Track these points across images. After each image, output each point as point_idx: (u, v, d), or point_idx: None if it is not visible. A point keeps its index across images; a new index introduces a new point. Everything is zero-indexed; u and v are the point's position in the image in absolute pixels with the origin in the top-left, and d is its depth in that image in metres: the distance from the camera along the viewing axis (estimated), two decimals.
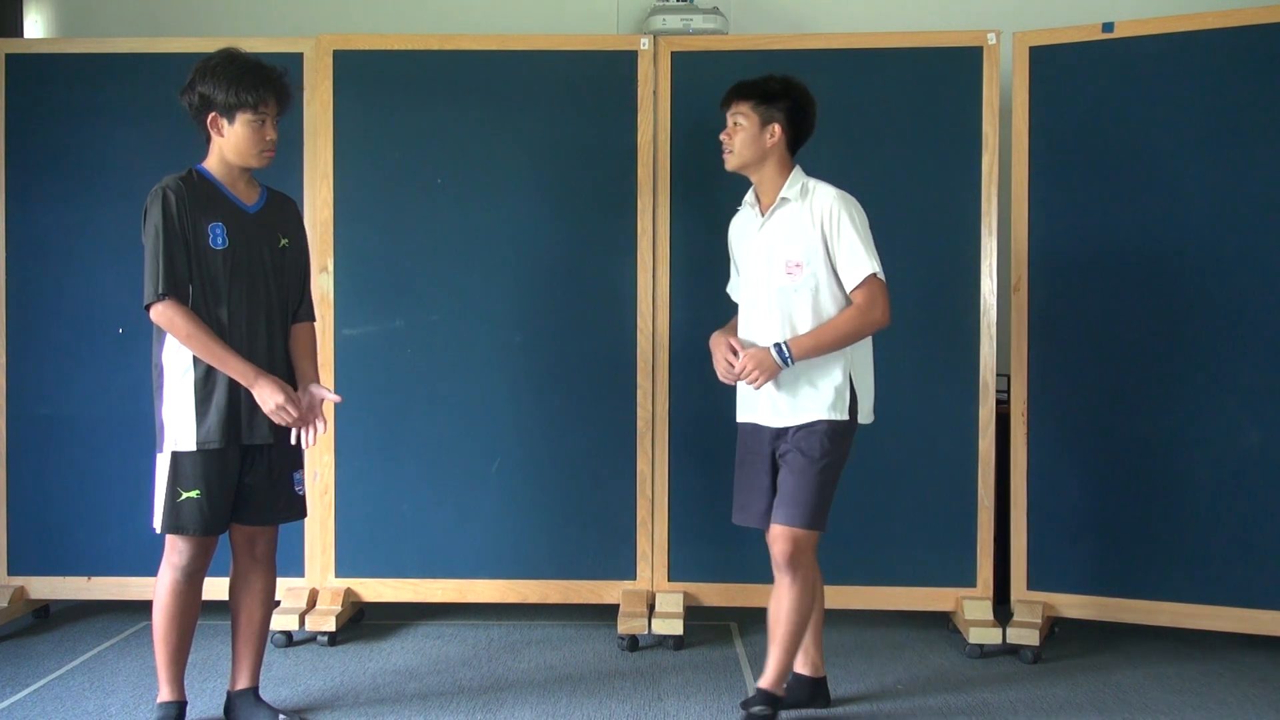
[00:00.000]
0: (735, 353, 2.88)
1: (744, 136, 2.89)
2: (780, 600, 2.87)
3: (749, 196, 3.01)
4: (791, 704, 3.01)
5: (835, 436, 2.85)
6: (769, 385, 2.86)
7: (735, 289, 3.11)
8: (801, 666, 3.05)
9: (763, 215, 2.94)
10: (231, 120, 2.69)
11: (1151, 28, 3.51)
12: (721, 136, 2.93)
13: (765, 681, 2.89)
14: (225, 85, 2.65)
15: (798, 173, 2.94)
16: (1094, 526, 3.56)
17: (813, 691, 3.07)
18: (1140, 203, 3.52)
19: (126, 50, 3.76)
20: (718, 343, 2.96)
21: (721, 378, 2.92)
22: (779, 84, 2.92)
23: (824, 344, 2.82)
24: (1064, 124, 3.58)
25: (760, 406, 2.92)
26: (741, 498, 3.00)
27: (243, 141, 2.70)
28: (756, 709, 2.86)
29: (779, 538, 2.83)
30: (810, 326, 2.84)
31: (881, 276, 2.83)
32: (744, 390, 2.97)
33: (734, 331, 3.01)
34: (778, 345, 2.81)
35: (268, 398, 2.67)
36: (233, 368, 2.65)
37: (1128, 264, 3.54)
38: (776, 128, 2.89)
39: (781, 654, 2.88)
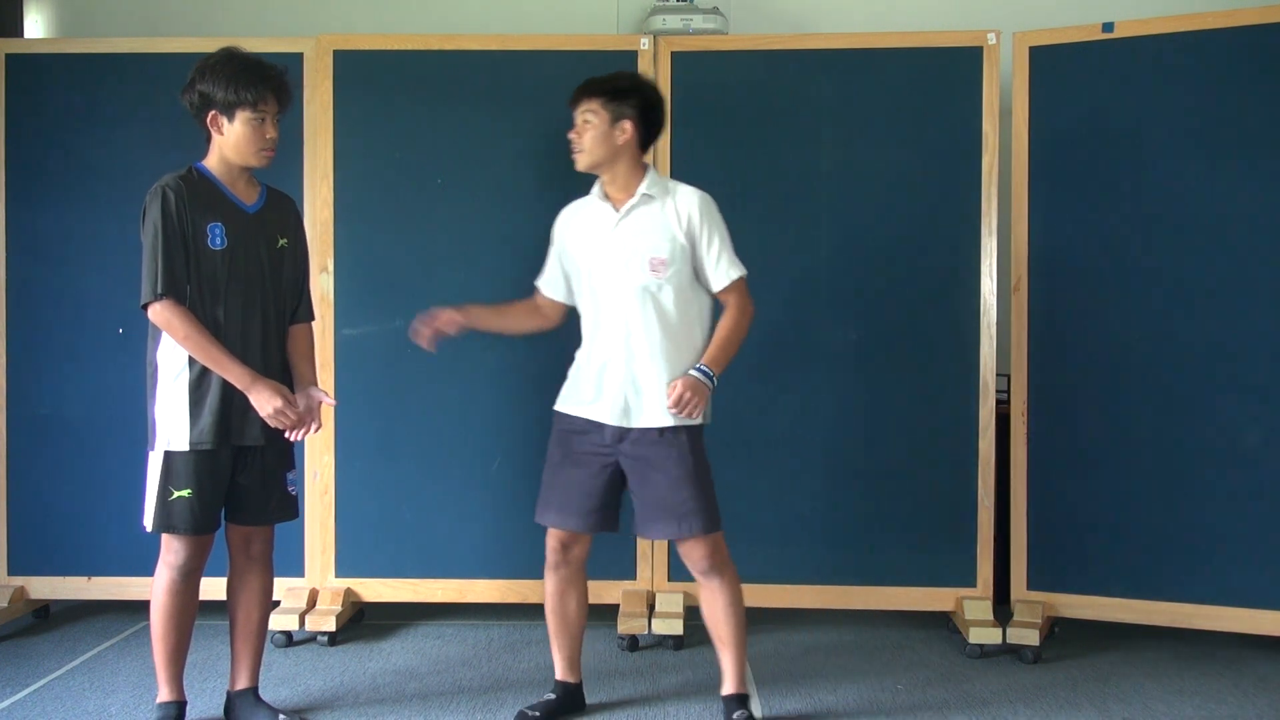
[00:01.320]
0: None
1: (594, 134, 2.84)
2: (715, 603, 2.91)
3: (596, 191, 2.95)
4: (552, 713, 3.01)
5: (695, 439, 2.85)
6: (618, 382, 2.83)
7: (552, 283, 3.05)
8: (566, 674, 3.05)
9: (617, 212, 2.88)
10: (231, 118, 2.68)
11: (1151, 28, 3.51)
12: (570, 135, 2.88)
13: (730, 687, 2.93)
14: (225, 83, 2.65)
15: (654, 171, 2.92)
16: (1094, 526, 3.56)
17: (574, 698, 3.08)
18: (1140, 202, 3.52)
19: (126, 50, 3.76)
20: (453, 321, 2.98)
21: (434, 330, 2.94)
22: (628, 80, 2.90)
23: (729, 353, 2.85)
24: (1064, 124, 3.58)
25: (601, 404, 2.86)
26: (561, 496, 2.90)
27: (242, 140, 2.69)
28: (738, 714, 2.88)
29: (696, 550, 2.85)
30: (675, 324, 2.82)
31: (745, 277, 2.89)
32: (580, 381, 2.91)
33: (495, 315, 3.10)
34: (702, 369, 2.79)
35: (265, 403, 2.66)
36: (229, 371, 2.65)
37: (1127, 264, 3.54)
38: (628, 124, 2.84)
39: (734, 654, 2.93)
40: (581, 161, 2.88)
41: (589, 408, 2.88)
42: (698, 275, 2.87)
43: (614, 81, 2.87)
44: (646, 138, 2.90)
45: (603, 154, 2.85)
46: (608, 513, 2.92)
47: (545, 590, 3.02)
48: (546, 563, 2.99)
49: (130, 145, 3.70)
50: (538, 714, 2.96)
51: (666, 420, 2.81)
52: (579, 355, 2.97)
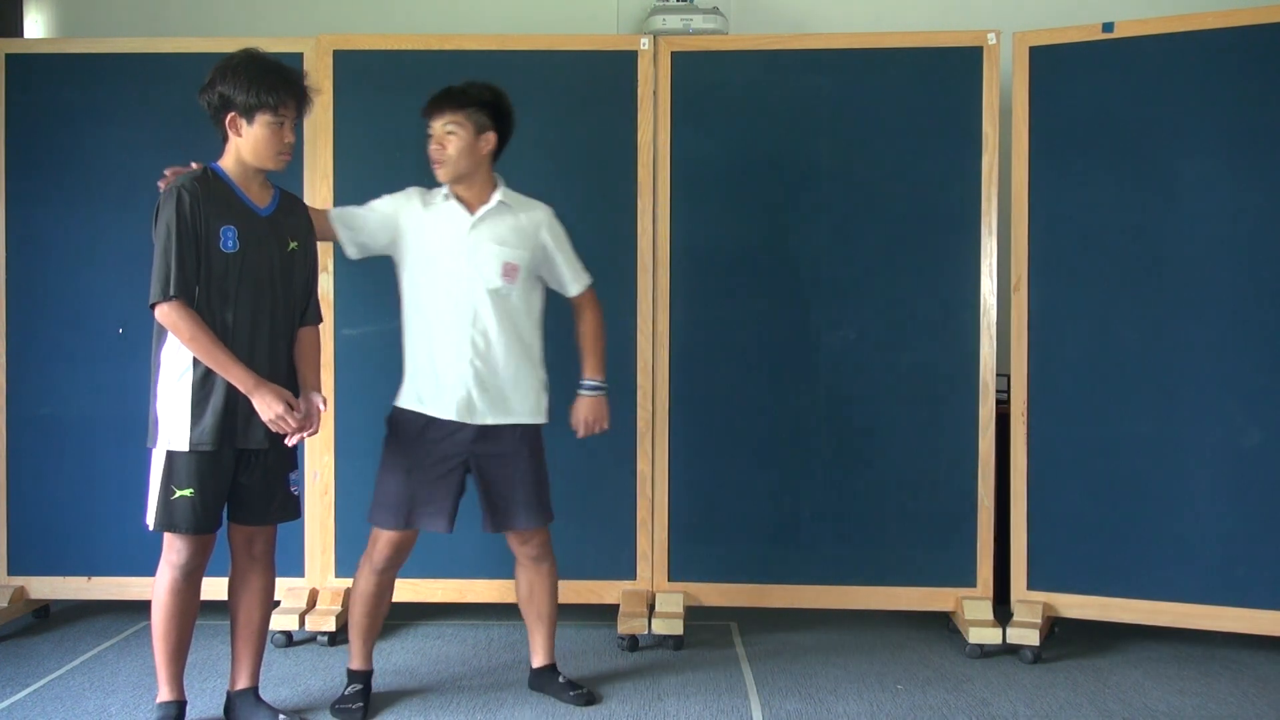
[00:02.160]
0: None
1: (460, 145, 2.87)
2: (545, 585, 3.09)
3: (445, 190, 2.96)
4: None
5: (540, 436, 3.03)
6: (472, 381, 2.88)
7: (351, 227, 2.97)
8: (367, 663, 3.09)
9: (471, 215, 2.92)
10: (251, 121, 2.68)
11: (1151, 28, 3.51)
12: (431, 149, 2.90)
13: (544, 660, 3.14)
14: (246, 86, 2.65)
15: (502, 181, 2.97)
16: (1094, 526, 3.56)
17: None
18: (1140, 202, 3.52)
19: (126, 50, 3.76)
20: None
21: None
22: (489, 92, 2.92)
23: (603, 354, 3.09)
24: (1064, 124, 3.58)
25: (454, 402, 2.89)
26: (425, 497, 2.91)
27: (261, 143, 2.69)
28: (574, 694, 3.07)
29: (537, 537, 3.03)
30: (519, 326, 2.94)
31: None
32: (424, 378, 2.92)
33: None
34: (592, 385, 3.05)
35: (267, 408, 2.65)
36: (233, 374, 2.64)
37: (1127, 264, 3.54)
38: (491, 135, 2.90)
39: (551, 628, 3.14)
40: (445, 173, 2.91)
41: (441, 407, 2.91)
42: (547, 283, 3.05)
43: (477, 92, 2.90)
44: (500, 148, 2.96)
45: (468, 165, 2.90)
46: (455, 511, 2.98)
47: (361, 590, 3.00)
48: (377, 564, 2.97)
49: (130, 145, 3.70)
50: (360, 705, 2.98)
51: (521, 419, 2.95)
52: (418, 352, 2.95)
